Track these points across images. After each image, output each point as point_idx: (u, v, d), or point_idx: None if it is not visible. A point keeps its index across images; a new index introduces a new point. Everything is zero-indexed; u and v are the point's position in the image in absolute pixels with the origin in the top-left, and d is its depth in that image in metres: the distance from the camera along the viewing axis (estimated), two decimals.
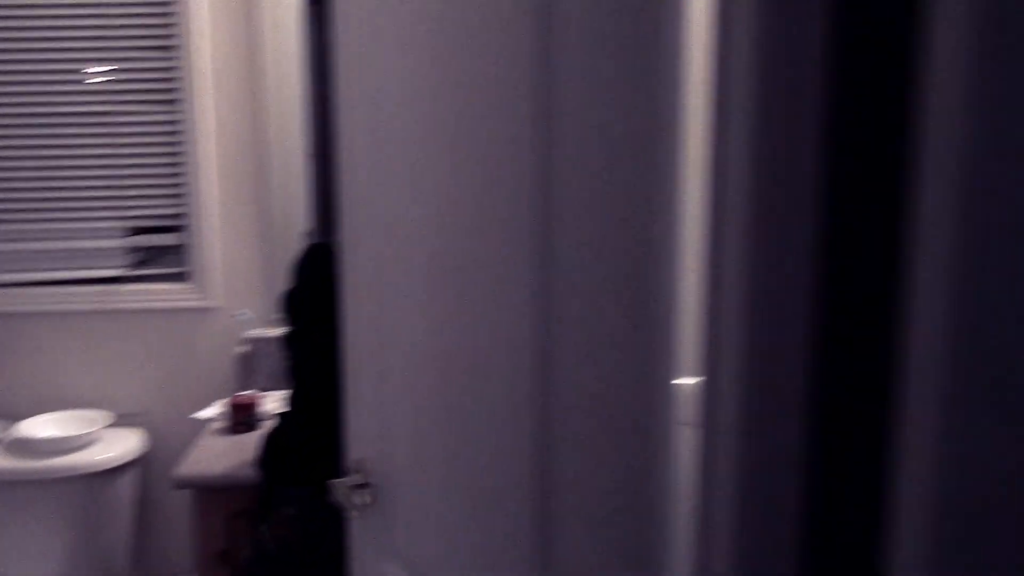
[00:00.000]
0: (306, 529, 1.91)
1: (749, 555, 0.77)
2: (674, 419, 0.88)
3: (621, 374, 0.93)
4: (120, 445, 2.70)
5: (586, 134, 0.94)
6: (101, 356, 2.86)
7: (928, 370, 0.60)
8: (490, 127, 1.07)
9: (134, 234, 2.83)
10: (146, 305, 2.83)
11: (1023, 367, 0.58)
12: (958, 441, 0.60)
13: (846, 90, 0.68)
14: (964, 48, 0.55)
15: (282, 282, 1.99)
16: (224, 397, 2.64)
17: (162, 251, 2.85)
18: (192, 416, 2.67)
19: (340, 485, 1.41)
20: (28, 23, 2.71)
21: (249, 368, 2.72)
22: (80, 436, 2.64)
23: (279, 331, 2.03)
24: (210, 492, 2.26)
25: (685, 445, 0.87)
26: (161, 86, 2.75)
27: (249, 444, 2.28)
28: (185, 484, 2.27)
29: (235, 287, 2.83)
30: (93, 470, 2.61)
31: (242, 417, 2.50)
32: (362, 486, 1.40)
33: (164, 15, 2.71)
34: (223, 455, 2.34)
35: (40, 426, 2.70)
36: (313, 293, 1.85)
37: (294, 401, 1.96)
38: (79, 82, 2.75)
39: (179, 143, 2.76)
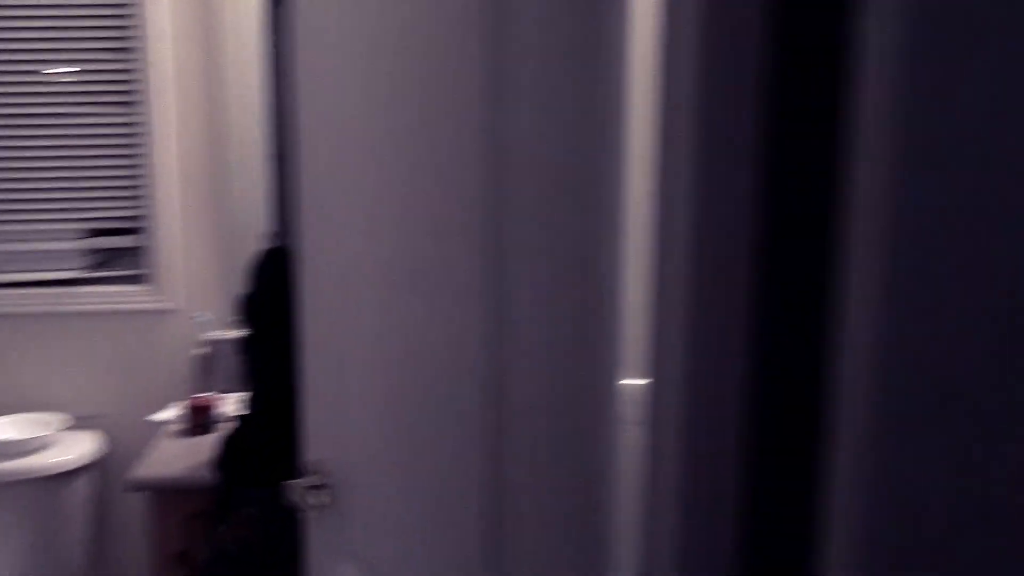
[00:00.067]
0: (267, 529, 1.91)
1: (691, 553, 0.79)
2: (621, 419, 0.91)
3: (569, 375, 0.96)
4: (77, 448, 2.69)
5: (535, 140, 0.96)
6: (58, 358, 2.84)
7: (858, 375, 0.63)
8: (443, 132, 1.09)
9: (92, 236, 2.81)
10: (104, 307, 2.81)
11: (948, 373, 0.61)
12: (886, 443, 0.62)
13: (783, 95, 0.71)
14: (890, 57, 0.58)
15: (239, 285, 2.00)
16: (182, 399, 2.63)
17: (120, 253, 2.84)
18: (150, 418, 2.66)
19: (297, 486, 1.42)
20: None
21: (207, 370, 2.72)
22: (36, 439, 2.62)
23: (237, 334, 2.03)
24: (167, 494, 2.26)
25: (633, 444, 0.89)
26: (120, 88, 2.74)
27: (207, 446, 2.28)
28: (142, 486, 2.26)
29: (194, 289, 2.82)
30: (49, 473, 2.60)
31: (200, 419, 2.50)
32: (319, 487, 1.41)
33: (123, 16, 2.70)
34: (180, 457, 2.34)
35: None
36: (270, 296, 1.86)
37: (253, 403, 1.97)
38: (37, 83, 2.73)
39: (138, 145, 2.75)
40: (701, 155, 0.72)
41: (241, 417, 2.01)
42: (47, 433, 2.66)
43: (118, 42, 2.72)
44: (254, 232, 2.72)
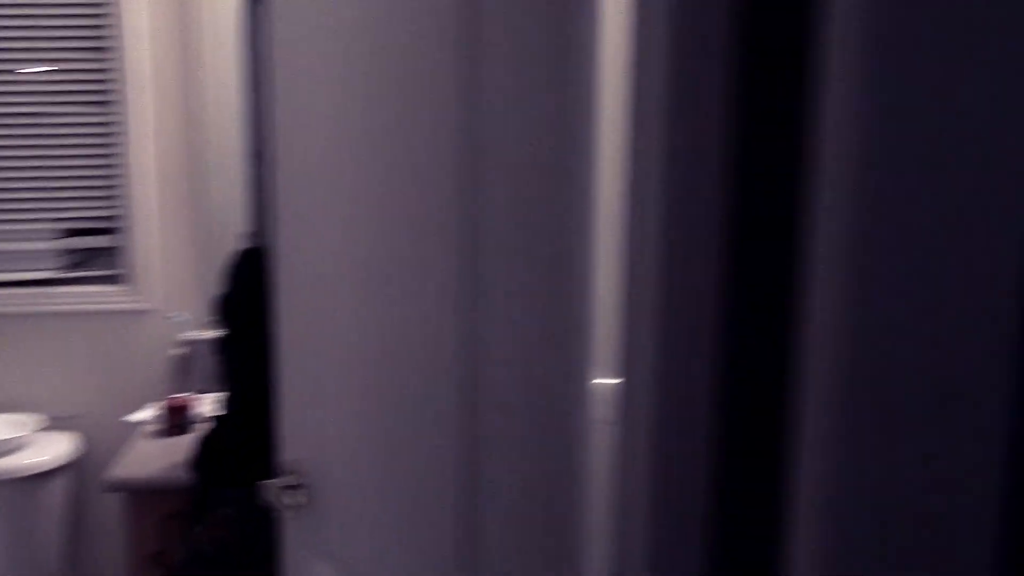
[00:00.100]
0: (243, 530, 1.91)
1: (662, 553, 0.80)
2: (593, 418, 0.92)
3: (543, 375, 0.96)
4: (53, 448, 2.67)
5: (510, 141, 0.97)
6: (34, 359, 2.83)
7: (823, 376, 0.64)
8: (418, 133, 1.09)
9: (68, 236, 2.80)
10: (80, 307, 2.80)
11: (910, 373, 0.62)
12: (850, 444, 0.63)
13: (751, 96, 0.72)
14: (853, 60, 0.59)
15: (216, 285, 2.00)
16: (159, 400, 2.63)
17: (97, 253, 2.83)
18: (126, 419, 2.65)
19: (273, 486, 1.42)
20: None
21: (184, 370, 2.71)
22: (12, 440, 2.61)
23: (214, 334, 2.03)
24: (143, 494, 2.25)
25: (605, 443, 0.90)
26: (96, 87, 2.73)
27: (183, 446, 2.27)
28: (118, 487, 2.26)
29: (171, 289, 2.81)
30: (25, 474, 2.59)
31: (177, 420, 2.49)
32: (295, 487, 1.41)
33: (99, 16, 2.69)
34: (157, 457, 2.33)
35: None
36: (246, 296, 1.86)
37: (229, 403, 1.97)
38: (12, 82, 2.72)
39: (114, 144, 2.74)
40: (670, 156, 0.73)
41: (217, 417, 2.01)
42: (23, 434, 2.64)
43: (94, 41, 2.71)
44: (232, 232, 2.71)
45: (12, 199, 2.76)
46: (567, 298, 0.93)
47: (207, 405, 2.53)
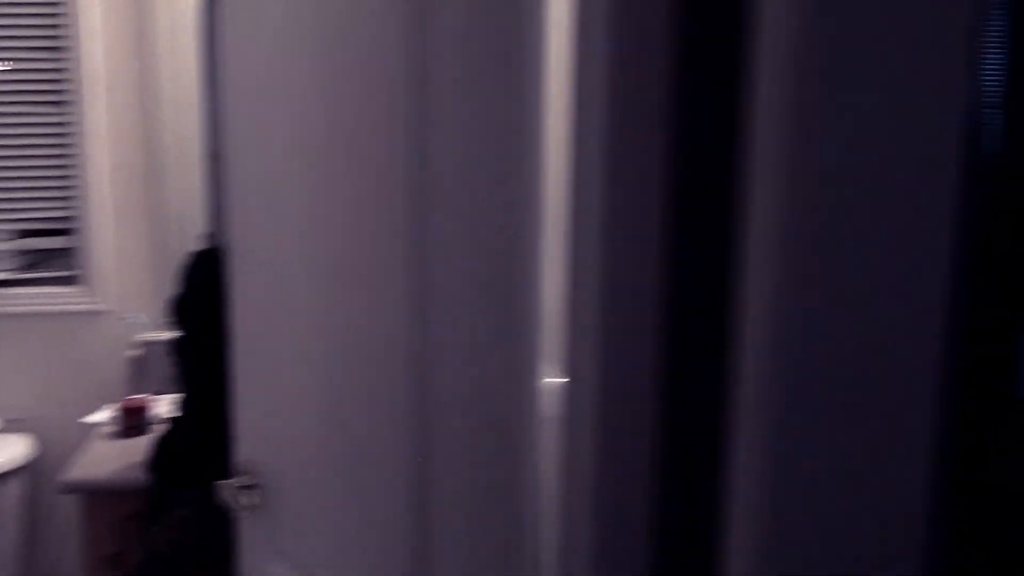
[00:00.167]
0: (199, 531, 1.91)
1: (606, 551, 0.82)
2: (543, 416, 0.93)
3: (493, 374, 0.98)
4: (8, 451, 2.65)
5: (458, 144, 0.98)
6: None
7: (756, 376, 0.66)
8: (369, 137, 1.10)
9: (23, 236, 2.78)
10: (35, 309, 2.78)
11: (839, 372, 0.65)
12: (781, 439, 0.66)
13: (689, 103, 0.74)
14: (781, 70, 0.61)
15: (172, 286, 2.00)
16: (115, 401, 2.61)
17: (52, 254, 2.81)
18: (83, 420, 2.64)
19: (229, 486, 1.43)
20: None
21: (141, 372, 2.70)
22: None
23: (170, 335, 2.03)
24: (99, 496, 2.24)
25: (552, 441, 0.92)
26: (51, 87, 2.71)
27: (140, 448, 2.27)
28: (73, 489, 2.25)
29: (127, 290, 2.80)
30: None
31: (133, 421, 2.48)
32: (250, 487, 1.42)
33: (54, 15, 2.67)
34: (113, 459, 2.33)
35: None
36: (202, 298, 1.86)
37: (185, 405, 1.97)
38: None
39: (69, 144, 2.72)
40: (609, 162, 0.75)
41: (174, 419, 2.01)
42: None
43: (49, 41, 2.69)
44: (191, 233, 2.70)
45: None
46: (516, 299, 0.94)
47: (164, 406, 2.52)
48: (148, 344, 2.71)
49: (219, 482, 1.44)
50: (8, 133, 2.71)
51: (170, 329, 2.00)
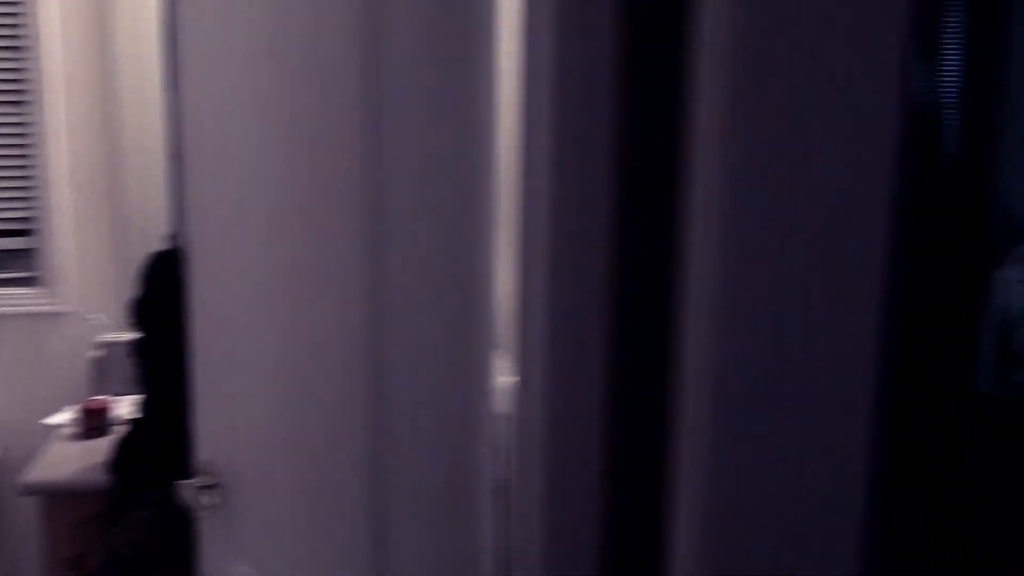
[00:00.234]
0: (160, 532, 1.91)
1: (555, 550, 0.83)
2: (495, 416, 0.95)
3: (446, 373, 1.00)
4: None
5: (413, 149, 1.00)
6: None
7: (698, 379, 0.68)
8: (325, 141, 1.11)
9: None
10: None
11: (780, 374, 0.67)
12: (722, 445, 0.67)
13: (633, 101, 0.75)
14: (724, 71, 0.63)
15: (132, 287, 1.99)
16: (76, 402, 2.60)
17: (12, 255, 2.79)
18: (43, 422, 2.62)
19: (189, 486, 1.43)
20: None
21: (102, 373, 2.69)
22: None
23: (131, 336, 2.03)
24: (60, 498, 2.23)
25: (504, 440, 0.93)
26: (10, 87, 2.69)
27: (101, 449, 2.26)
28: (33, 490, 2.24)
29: (89, 291, 2.78)
30: None
31: (94, 422, 2.47)
32: (211, 487, 1.42)
33: (12, 15, 2.65)
34: (74, 460, 2.32)
35: None
36: (162, 299, 1.86)
37: (146, 406, 1.97)
38: None
39: (29, 145, 2.70)
40: (557, 169, 0.76)
41: (134, 420, 2.01)
42: None
43: (8, 40, 2.67)
44: (153, 233, 2.69)
45: None
46: (470, 299, 0.96)
47: (125, 407, 2.51)
48: (109, 345, 2.70)
49: (180, 482, 1.44)
50: None
51: (131, 330, 2.00)
